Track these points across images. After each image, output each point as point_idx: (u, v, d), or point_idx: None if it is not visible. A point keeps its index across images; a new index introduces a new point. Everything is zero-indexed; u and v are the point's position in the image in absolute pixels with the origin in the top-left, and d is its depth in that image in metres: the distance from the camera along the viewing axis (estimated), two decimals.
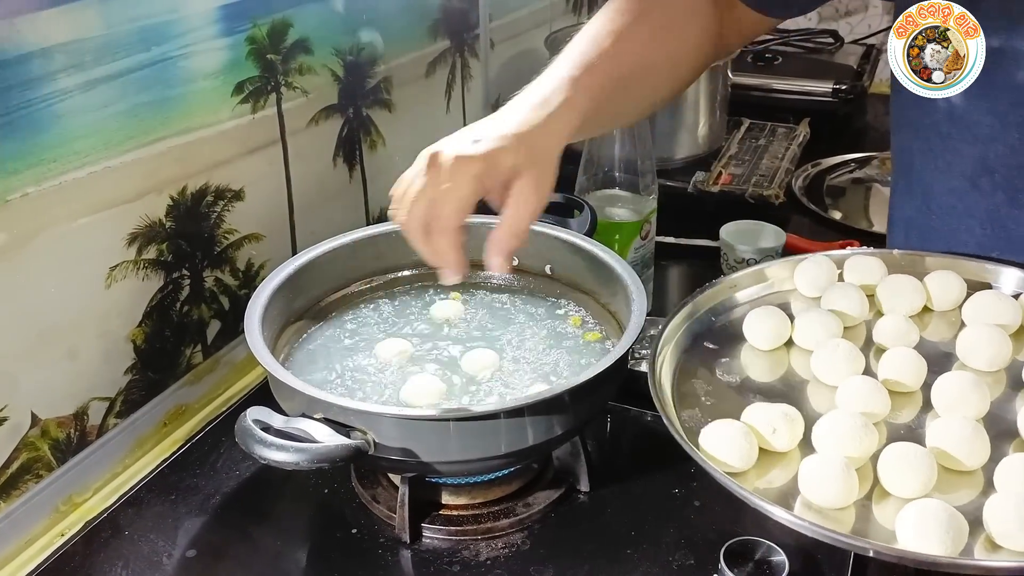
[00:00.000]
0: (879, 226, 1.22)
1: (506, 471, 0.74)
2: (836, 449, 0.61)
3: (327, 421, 0.63)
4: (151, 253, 0.81)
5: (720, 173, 1.26)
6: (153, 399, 0.84)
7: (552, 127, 0.66)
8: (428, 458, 0.65)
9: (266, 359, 0.67)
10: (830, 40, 1.66)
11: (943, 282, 0.78)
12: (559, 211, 0.90)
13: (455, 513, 0.74)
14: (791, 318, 0.76)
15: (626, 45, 0.74)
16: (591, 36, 0.74)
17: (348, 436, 0.63)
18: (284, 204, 0.96)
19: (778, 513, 0.57)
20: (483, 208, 0.68)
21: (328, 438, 0.60)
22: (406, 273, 0.88)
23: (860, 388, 0.66)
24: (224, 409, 0.89)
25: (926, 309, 0.78)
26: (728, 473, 0.60)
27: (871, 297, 0.79)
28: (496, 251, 0.64)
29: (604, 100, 0.71)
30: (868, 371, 0.71)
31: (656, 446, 0.76)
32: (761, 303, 0.79)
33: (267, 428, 0.61)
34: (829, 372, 0.70)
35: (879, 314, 0.78)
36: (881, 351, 0.72)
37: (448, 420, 0.65)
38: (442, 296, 0.87)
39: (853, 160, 1.41)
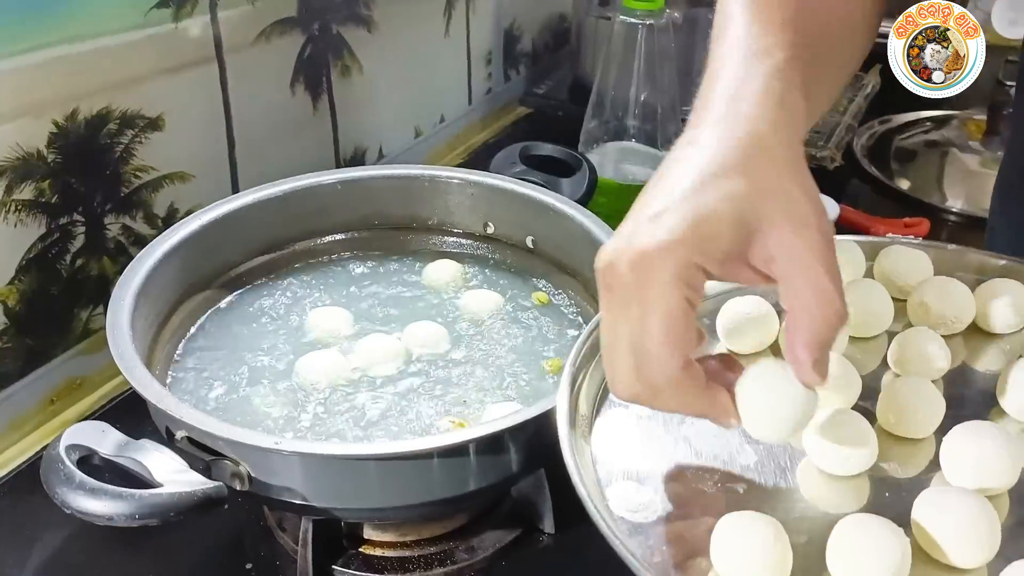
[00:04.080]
0: (954, 201, 1.04)
1: None
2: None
3: (191, 443, 0.47)
4: (26, 192, 0.64)
5: None
6: (34, 371, 0.69)
7: (782, 134, 0.39)
8: (324, 503, 0.49)
9: (123, 347, 0.50)
10: None
11: (1004, 295, 0.57)
12: (551, 168, 0.72)
13: (376, 553, 0.58)
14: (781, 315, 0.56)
15: None
16: None
17: (210, 468, 0.46)
18: (221, 138, 0.79)
19: None
20: None
21: (169, 477, 0.44)
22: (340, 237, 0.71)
23: (837, 424, 0.47)
24: None
25: (978, 329, 0.58)
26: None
27: (903, 303, 0.59)
28: (797, 366, 0.39)
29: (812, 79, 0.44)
30: (866, 400, 0.52)
31: None
32: (755, 293, 0.59)
33: (89, 457, 0.44)
34: None
35: (909, 327, 0.58)
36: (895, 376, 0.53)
37: (359, 459, 0.48)
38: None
39: (929, 119, 1.19)
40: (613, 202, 0.76)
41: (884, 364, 0.55)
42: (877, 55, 1.31)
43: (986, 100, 1.13)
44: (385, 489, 0.50)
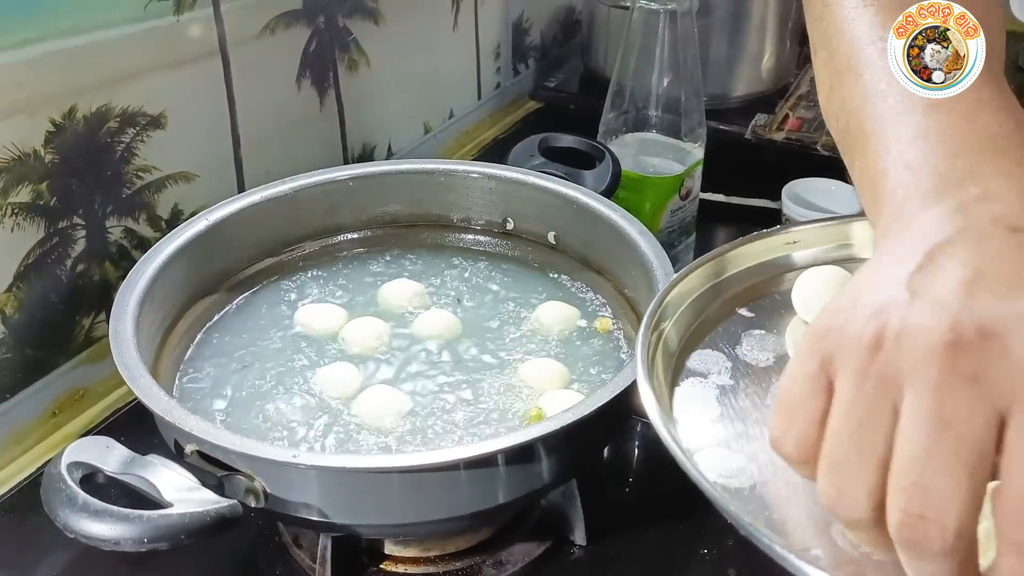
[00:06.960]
0: None
1: None
2: None
3: (202, 458, 0.44)
4: (24, 195, 0.61)
5: (787, 116, 1.03)
6: (35, 383, 0.65)
7: None
8: (345, 519, 0.45)
9: (127, 355, 0.47)
10: None
11: None
12: (572, 160, 0.69)
13: (399, 570, 0.54)
14: None
15: None
16: None
17: (223, 484, 0.43)
18: (226, 136, 0.76)
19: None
20: None
21: (180, 496, 0.40)
22: (353, 236, 0.68)
23: None
24: None
25: None
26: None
27: None
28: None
29: None
30: None
31: (684, 481, 0.55)
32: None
33: (93, 475, 0.41)
34: None
35: None
36: None
37: (378, 472, 0.44)
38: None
39: None
40: (634, 195, 0.73)
41: None
42: None
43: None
44: (408, 504, 0.47)
